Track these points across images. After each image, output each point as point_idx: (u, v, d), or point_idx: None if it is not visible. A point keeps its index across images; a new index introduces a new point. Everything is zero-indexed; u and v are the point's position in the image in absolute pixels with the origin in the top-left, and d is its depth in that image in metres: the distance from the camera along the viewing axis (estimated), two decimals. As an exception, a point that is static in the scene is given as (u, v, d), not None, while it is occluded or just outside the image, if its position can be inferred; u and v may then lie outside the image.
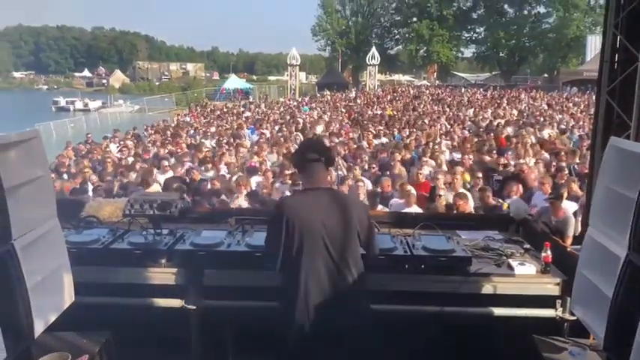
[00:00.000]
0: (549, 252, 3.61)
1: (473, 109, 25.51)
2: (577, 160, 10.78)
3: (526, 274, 3.61)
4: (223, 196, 7.84)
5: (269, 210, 5.27)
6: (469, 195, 7.30)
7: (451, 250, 3.66)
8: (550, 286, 3.57)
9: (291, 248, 2.97)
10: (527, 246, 4.09)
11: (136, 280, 3.62)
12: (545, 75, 66.40)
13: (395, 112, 24.83)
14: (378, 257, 3.32)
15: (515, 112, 24.27)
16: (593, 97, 30.95)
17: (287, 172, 9.35)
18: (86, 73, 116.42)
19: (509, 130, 16.49)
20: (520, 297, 3.58)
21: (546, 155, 11.53)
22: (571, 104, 28.42)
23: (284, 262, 3.02)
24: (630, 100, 4.32)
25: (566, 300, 3.48)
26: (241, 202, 7.80)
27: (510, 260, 3.74)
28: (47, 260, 2.88)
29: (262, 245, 3.29)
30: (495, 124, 18.36)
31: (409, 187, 7.59)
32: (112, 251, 3.69)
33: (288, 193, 8.31)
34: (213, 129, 19.95)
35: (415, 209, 7.15)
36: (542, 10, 63.46)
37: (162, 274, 3.64)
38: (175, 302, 3.63)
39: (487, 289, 3.57)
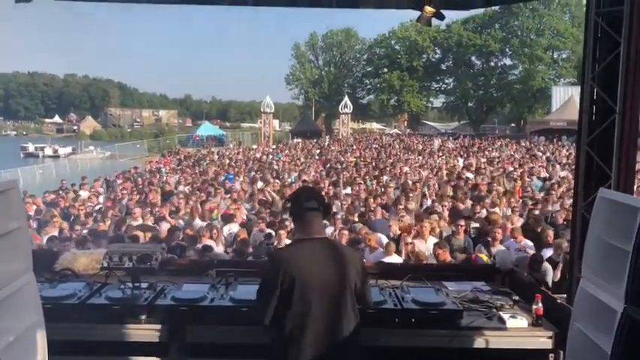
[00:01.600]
0: (540, 304, 3.56)
1: (445, 157, 25.84)
2: (549, 208, 10.94)
3: (518, 327, 3.55)
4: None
5: (250, 261, 5.15)
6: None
7: (442, 302, 3.58)
8: (543, 340, 3.51)
9: (287, 303, 2.83)
10: (516, 297, 4.04)
11: (114, 338, 3.44)
12: (513, 124, 68.26)
13: (361, 160, 24.92)
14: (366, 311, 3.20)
15: (484, 160, 24.67)
16: (562, 146, 31.83)
17: (260, 221, 9.28)
18: (57, 119, 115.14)
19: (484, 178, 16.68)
20: (513, 351, 3.50)
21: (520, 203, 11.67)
22: (540, 153, 29.06)
23: (278, 317, 2.88)
24: (610, 150, 4.39)
25: (559, 354, 3.42)
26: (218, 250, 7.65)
27: (501, 313, 3.68)
28: (21, 318, 2.72)
29: (248, 299, 3.17)
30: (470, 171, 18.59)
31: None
32: (89, 307, 3.51)
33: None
34: (186, 176, 19.70)
35: (395, 258, 7.10)
36: (508, 62, 65.88)
37: (143, 331, 3.46)
38: (156, 361, 3.45)
39: (479, 343, 3.49)
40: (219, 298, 3.63)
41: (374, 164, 22.36)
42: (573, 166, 19.23)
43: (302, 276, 2.83)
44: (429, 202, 11.84)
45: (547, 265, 6.79)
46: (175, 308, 3.51)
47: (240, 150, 36.49)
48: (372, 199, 11.61)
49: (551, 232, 8.21)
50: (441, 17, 5.68)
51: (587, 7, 4.66)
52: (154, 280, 3.89)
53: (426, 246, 7.80)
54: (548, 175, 17.77)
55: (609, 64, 4.41)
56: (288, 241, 7.39)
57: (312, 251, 2.91)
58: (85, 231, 8.90)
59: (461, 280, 4.46)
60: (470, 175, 17.42)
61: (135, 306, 3.53)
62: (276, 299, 2.85)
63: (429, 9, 5.55)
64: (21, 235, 2.78)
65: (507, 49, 63.43)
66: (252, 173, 19.46)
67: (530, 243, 7.87)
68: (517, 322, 3.56)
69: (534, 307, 3.57)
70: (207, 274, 4.22)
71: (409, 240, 7.33)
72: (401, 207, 10.40)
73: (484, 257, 7.00)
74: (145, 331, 3.47)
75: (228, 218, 9.73)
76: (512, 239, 8.20)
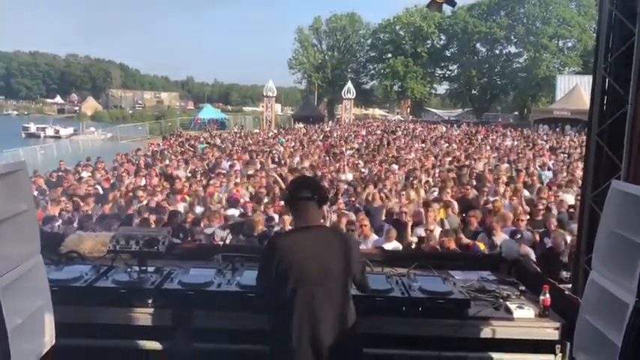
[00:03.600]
0: (548, 295, 3.55)
1: (449, 145, 25.74)
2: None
3: (525, 318, 3.53)
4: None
5: (256, 246, 5.14)
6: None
7: (449, 292, 3.57)
8: (549, 331, 3.49)
9: (284, 290, 2.88)
10: (523, 288, 4.03)
11: (121, 321, 3.43)
12: (516, 113, 68.10)
13: (364, 146, 24.79)
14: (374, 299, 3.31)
15: (488, 148, 24.64)
16: (564, 136, 31.81)
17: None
18: (58, 99, 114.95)
19: (484, 166, 16.63)
20: (519, 341, 3.50)
21: (526, 192, 11.63)
22: (542, 141, 29.01)
23: (276, 304, 2.94)
24: (620, 141, 4.35)
25: (565, 345, 3.42)
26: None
27: (508, 303, 3.67)
28: (29, 300, 2.71)
29: (254, 285, 3.17)
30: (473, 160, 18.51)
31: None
32: (96, 290, 3.49)
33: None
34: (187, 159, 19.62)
35: (395, 244, 7.09)
36: (513, 49, 65.59)
37: (149, 315, 3.46)
38: (163, 345, 3.45)
39: (486, 333, 3.48)
40: (226, 283, 3.62)
41: (376, 151, 22.25)
42: (574, 156, 19.32)
43: (299, 264, 2.88)
44: (435, 190, 11.74)
45: (530, 251, 6.82)
46: (182, 293, 3.50)
47: (242, 134, 36.40)
48: (371, 185, 11.55)
49: (553, 220, 8.18)
50: (453, 4, 5.62)
51: (601, -5, 4.60)
52: (160, 264, 3.89)
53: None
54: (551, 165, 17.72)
55: (622, 54, 4.37)
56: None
57: (308, 239, 2.96)
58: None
59: (467, 269, 4.45)
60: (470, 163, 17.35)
61: (142, 290, 3.52)
62: (272, 282, 2.92)
63: (440, -5, 5.49)
64: (29, 218, 2.76)
65: (512, 37, 63.06)
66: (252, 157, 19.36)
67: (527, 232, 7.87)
68: (524, 312, 3.55)
69: (541, 297, 3.56)
70: (214, 259, 4.21)
71: (431, 227, 7.31)
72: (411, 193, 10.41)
73: (481, 246, 6.98)
74: (152, 315, 3.46)
75: (233, 203, 9.72)
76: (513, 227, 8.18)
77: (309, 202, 3.00)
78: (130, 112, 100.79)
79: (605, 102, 4.56)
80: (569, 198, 10.43)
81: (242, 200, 10.21)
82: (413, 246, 7.49)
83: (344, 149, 22.68)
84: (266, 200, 9.87)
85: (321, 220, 3.18)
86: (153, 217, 7.92)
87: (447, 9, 5.92)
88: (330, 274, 2.89)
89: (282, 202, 8.97)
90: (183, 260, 4.20)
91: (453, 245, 6.52)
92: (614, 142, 4.43)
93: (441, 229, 7.94)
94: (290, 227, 7.52)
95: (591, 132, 4.60)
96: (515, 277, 4.33)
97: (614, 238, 2.83)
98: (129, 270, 3.72)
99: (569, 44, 62.56)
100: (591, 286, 2.95)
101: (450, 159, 18.53)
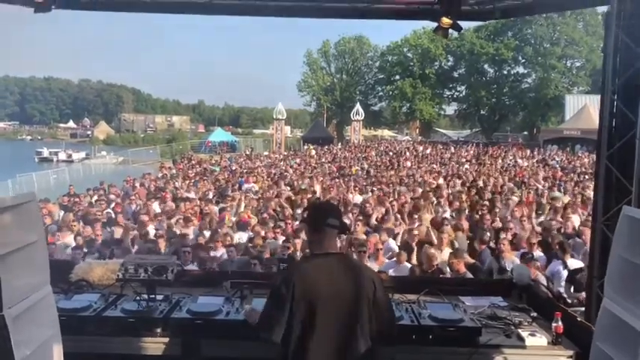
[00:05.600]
0: (560, 322, 3.49)
1: (459, 166, 25.67)
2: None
3: (537, 346, 3.48)
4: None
5: (264, 273, 5.12)
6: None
7: (460, 319, 3.53)
8: (563, 359, 3.44)
9: (300, 319, 2.77)
10: (534, 314, 3.97)
11: (129, 351, 3.43)
12: (525, 132, 67.82)
13: (372, 168, 24.85)
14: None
15: (499, 168, 24.54)
16: (574, 155, 31.57)
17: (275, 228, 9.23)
18: (71, 124, 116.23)
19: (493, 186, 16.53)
20: (532, 370, 3.44)
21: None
22: (554, 162, 28.86)
23: (289, 333, 2.81)
24: (630, 164, 4.32)
25: (579, 373, 3.35)
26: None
27: (520, 330, 3.61)
28: (38, 331, 2.72)
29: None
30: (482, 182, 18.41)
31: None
32: (104, 319, 3.50)
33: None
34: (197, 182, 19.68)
35: (406, 267, 7.03)
36: (521, 70, 65.36)
37: (158, 344, 3.45)
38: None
39: (497, 361, 3.43)
40: (235, 312, 3.61)
41: (385, 172, 22.21)
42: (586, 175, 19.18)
43: (315, 293, 2.77)
44: (447, 211, 11.66)
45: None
46: (191, 322, 3.49)
47: (252, 156, 36.58)
48: (381, 207, 11.45)
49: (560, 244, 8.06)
50: (458, 28, 5.65)
51: (607, 19, 4.62)
52: (169, 292, 3.88)
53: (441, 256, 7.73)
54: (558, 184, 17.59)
55: (629, 76, 4.36)
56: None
57: (326, 267, 2.86)
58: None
59: (478, 295, 4.40)
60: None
61: (150, 319, 3.51)
62: (286, 316, 2.77)
63: (445, 20, 5.52)
64: (38, 248, 2.79)
65: (520, 58, 63.06)
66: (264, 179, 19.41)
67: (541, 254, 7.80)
68: (536, 340, 3.50)
69: (554, 324, 3.50)
70: (222, 286, 4.20)
71: (433, 251, 7.24)
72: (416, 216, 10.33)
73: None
74: (160, 345, 3.45)
75: (242, 226, 9.71)
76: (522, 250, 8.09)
77: (333, 230, 2.95)
78: (142, 135, 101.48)
79: (613, 125, 4.54)
80: (576, 219, 10.34)
81: (252, 223, 10.21)
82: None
83: (353, 171, 22.69)
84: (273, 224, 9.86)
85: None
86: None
87: (454, 31, 5.94)
88: (346, 305, 2.79)
89: (301, 225, 9.00)
90: (192, 287, 4.19)
91: (462, 268, 6.43)
92: (623, 165, 4.40)
93: (450, 250, 7.90)
94: (301, 252, 7.54)
95: (600, 155, 4.58)
96: (527, 303, 4.27)
97: (625, 265, 2.80)
98: (138, 298, 3.71)
99: (578, 64, 62.45)
100: (604, 314, 2.91)
101: (460, 180, 18.44)
